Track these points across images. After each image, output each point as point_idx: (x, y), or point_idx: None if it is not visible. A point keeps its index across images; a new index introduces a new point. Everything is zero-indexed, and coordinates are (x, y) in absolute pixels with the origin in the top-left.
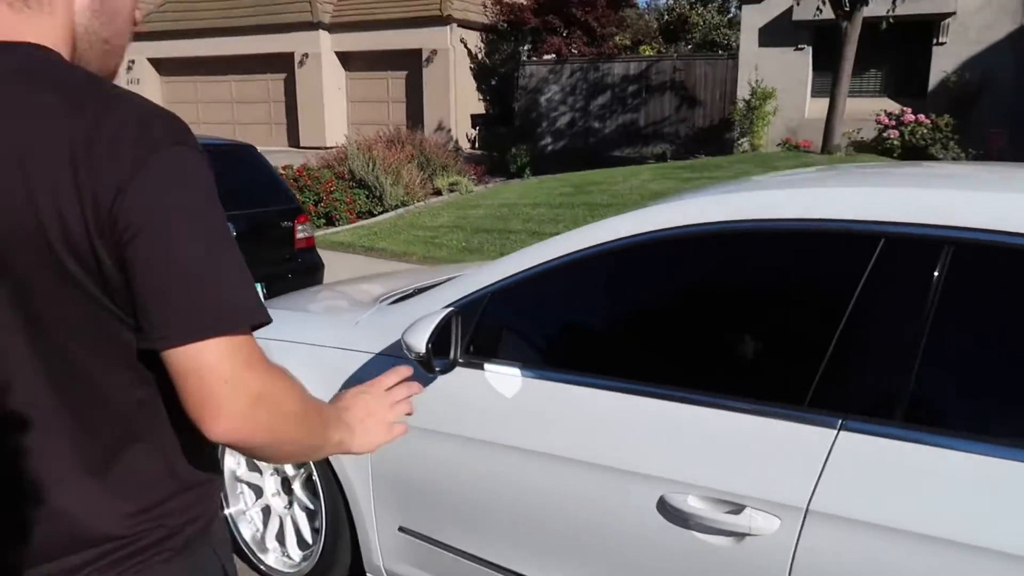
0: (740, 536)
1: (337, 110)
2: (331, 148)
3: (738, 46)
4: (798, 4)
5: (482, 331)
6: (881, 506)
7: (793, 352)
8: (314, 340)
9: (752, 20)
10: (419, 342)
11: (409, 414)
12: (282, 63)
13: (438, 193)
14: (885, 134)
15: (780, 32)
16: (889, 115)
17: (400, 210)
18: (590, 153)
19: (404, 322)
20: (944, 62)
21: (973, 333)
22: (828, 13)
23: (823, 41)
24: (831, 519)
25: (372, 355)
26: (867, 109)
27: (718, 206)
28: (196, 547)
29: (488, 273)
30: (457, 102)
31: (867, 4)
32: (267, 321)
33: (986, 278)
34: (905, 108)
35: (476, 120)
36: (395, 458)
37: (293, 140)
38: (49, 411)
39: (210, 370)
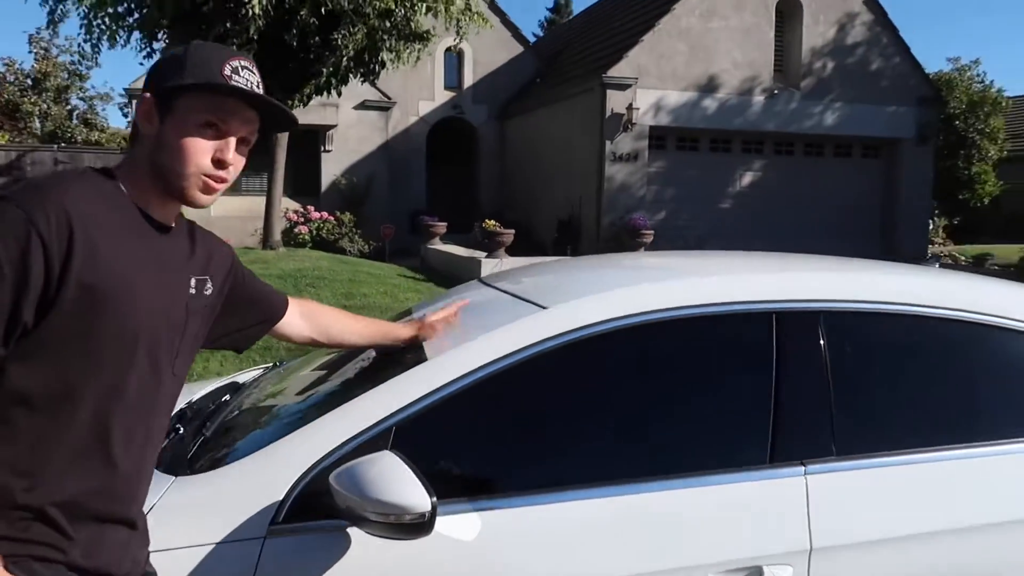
0: None
1: None
2: None
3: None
4: None
5: None
6: (862, 523)
7: (743, 420)
8: None
9: None
10: (417, 498)
11: None
12: None
13: None
14: (296, 229)
15: None
16: (296, 212)
17: None
18: None
19: (248, 489)
20: (333, 167)
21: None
22: None
23: None
24: (829, 550)
25: (213, 546)
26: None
27: (647, 296)
28: None
29: (377, 405)
30: None
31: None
32: None
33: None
34: (308, 206)
35: None
36: None
37: None
38: None
39: None
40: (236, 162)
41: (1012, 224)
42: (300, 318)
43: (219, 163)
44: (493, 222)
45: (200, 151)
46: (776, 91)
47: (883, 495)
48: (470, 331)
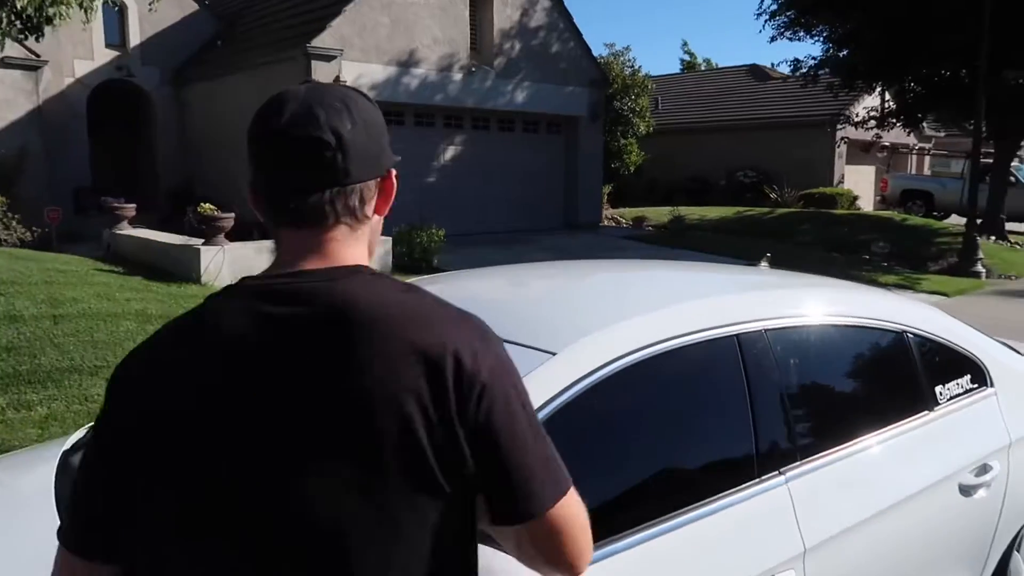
0: None
1: None
2: None
3: None
4: None
5: None
6: (837, 515)
7: (736, 440)
8: None
9: None
10: None
11: None
12: None
13: None
14: None
15: None
16: None
17: None
18: None
19: None
20: None
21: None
22: None
23: None
24: (818, 547)
25: None
26: None
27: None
28: None
29: None
30: None
31: None
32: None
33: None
34: None
35: None
36: None
37: None
38: None
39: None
40: None
41: (651, 189)
42: None
43: None
44: (209, 205)
45: None
46: (473, 69)
47: (845, 486)
48: None
